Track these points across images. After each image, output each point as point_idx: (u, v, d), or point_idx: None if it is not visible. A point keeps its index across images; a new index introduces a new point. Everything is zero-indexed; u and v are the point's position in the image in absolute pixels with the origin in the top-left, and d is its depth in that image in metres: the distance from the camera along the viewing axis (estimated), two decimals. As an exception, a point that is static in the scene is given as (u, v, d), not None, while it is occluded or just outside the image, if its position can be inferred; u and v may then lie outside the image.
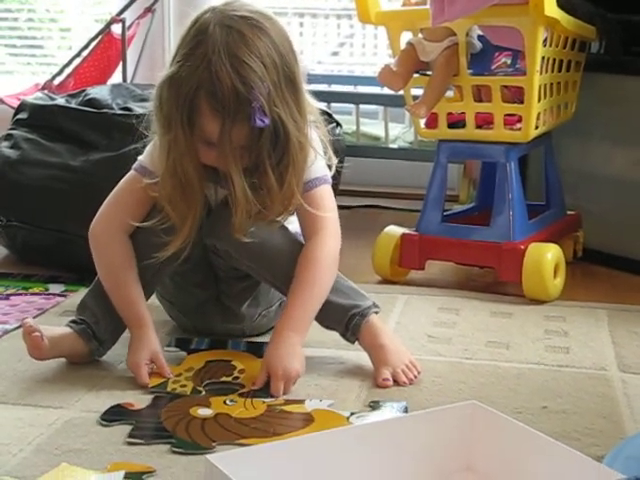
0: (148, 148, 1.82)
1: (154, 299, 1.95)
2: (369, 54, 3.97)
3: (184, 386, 1.69)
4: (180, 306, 1.97)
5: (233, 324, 1.95)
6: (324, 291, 1.78)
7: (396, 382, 1.72)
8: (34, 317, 2.02)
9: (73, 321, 1.80)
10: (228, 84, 1.60)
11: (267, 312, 1.96)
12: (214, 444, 1.45)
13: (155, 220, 1.75)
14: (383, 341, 1.78)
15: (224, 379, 1.73)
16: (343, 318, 1.80)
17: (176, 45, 1.69)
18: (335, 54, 3.98)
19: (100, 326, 1.78)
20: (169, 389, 1.67)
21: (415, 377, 1.74)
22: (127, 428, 1.51)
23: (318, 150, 1.79)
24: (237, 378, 1.73)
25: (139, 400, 1.62)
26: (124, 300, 1.78)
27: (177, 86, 1.64)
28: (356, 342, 1.82)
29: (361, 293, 1.84)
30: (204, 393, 1.66)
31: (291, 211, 1.79)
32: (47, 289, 2.29)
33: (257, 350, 1.85)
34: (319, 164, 1.81)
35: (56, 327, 1.80)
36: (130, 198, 1.81)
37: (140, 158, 1.83)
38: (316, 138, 1.80)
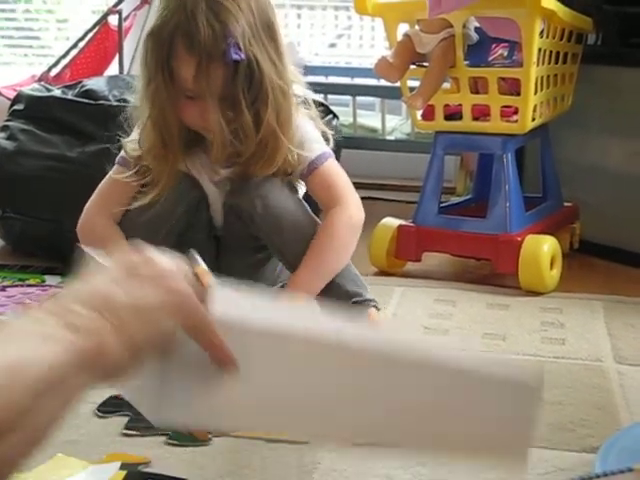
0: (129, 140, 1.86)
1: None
2: (366, 46, 3.97)
3: None
4: None
5: None
6: (337, 261, 1.80)
7: None
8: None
9: None
10: (203, 22, 1.64)
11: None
12: (210, 436, 1.45)
13: (132, 172, 1.81)
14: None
15: None
16: (346, 303, 1.80)
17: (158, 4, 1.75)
18: (332, 46, 3.98)
19: None
20: None
21: None
22: (123, 419, 1.51)
23: (311, 129, 1.82)
24: None
25: (135, 391, 1.62)
26: None
27: (157, 34, 1.70)
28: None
29: (365, 285, 1.85)
30: None
31: (278, 163, 1.79)
32: (44, 280, 2.29)
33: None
34: (316, 143, 1.83)
35: None
36: (113, 189, 1.85)
37: (122, 151, 1.86)
38: (309, 117, 1.82)
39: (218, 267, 1.90)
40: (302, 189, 1.93)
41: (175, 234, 1.83)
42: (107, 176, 1.88)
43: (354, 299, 1.81)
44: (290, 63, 1.79)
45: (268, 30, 1.72)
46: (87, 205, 1.86)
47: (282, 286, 1.95)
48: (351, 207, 1.82)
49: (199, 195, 1.85)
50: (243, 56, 1.66)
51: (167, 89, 1.71)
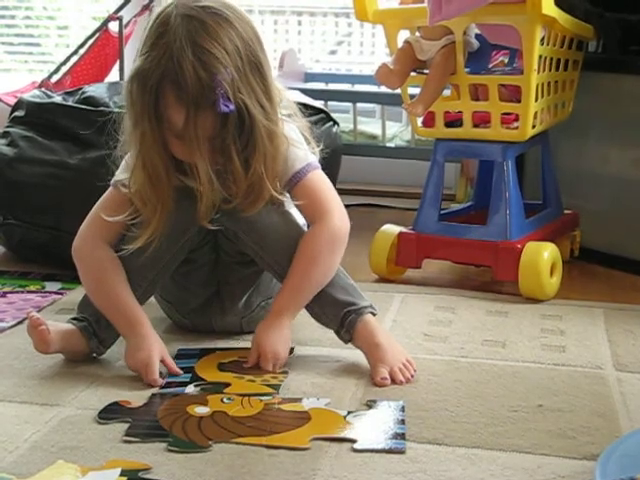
0: (122, 165, 1.83)
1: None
2: (367, 53, 3.98)
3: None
4: (180, 306, 1.97)
5: (231, 316, 1.94)
6: (322, 275, 1.80)
7: (393, 381, 1.72)
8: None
9: (75, 318, 1.80)
10: (190, 72, 1.62)
11: (266, 303, 1.95)
12: (210, 442, 1.45)
13: (126, 215, 1.77)
14: (379, 340, 1.78)
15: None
16: (339, 313, 1.80)
17: (142, 39, 1.71)
18: (333, 52, 3.99)
19: (101, 324, 1.78)
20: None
21: (412, 376, 1.74)
22: (124, 426, 1.51)
23: (297, 141, 1.81)
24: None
25: (136, 398, 1.62)
26: (115, 305, 1.77)
27: (143, 78, 1.66)
28: (349, 343, 1.82)
29: (360, 293, 1.84)
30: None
31: (267, 201, 1.77)
32: (44, 287, 2.29)
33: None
34: (300, 154, 1.82)
35: (58, 322, 1.80)
36: (105, 211, 1.81)
37: (117, 173, 1.84)
38: (294, 129, 1.82)
39: (217, 281, 1.92)
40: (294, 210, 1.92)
41: (187, 251, 1.83)
42: (105, 195, 1.84)
43: (347, 308, 1.80)
44: (276, 91, 1.76)
45: (257, 70, 1.70)
46: (83, 227, 1.83)
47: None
48: (333, 219, 1.80)
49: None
50: (232, 107, 1.64)
51: (154, 134, 1.68)
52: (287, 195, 1.84)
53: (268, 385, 1.69)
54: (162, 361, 1.73)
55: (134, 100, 1.69)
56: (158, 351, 1.73)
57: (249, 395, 1.64)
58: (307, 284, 1.80)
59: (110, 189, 1.84)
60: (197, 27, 1.65)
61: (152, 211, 1.75)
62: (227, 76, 1.64)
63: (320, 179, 1.84)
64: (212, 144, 1.69)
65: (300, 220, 1.86)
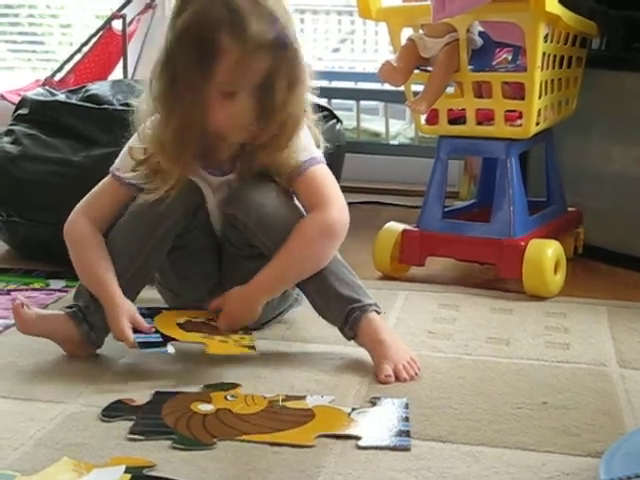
0: (121, 152, 1.86)
1: (155, 294, 1.96)
2: (370, 51, 3.97)
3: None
4: (181, 295, 1.97)
5: None
6: (312, 263, 1.80)
7: (397, 378, 1.72)
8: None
9: (67, 307, 1.82)
10: (249, 13, 1.65)
11: (270, 300, 1.95)
12: (215, 440, 1.45)
13: (140, 172, 1.80)
14: (383, 337, 1.78)
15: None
16: (343, 309, 1.79)
17: (176, 4, 1.72)
18: (336, 50, 3.98)
19: (90, 309, 1.78)
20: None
21: (416, 374, 1.74)
22: (128, 423, 1.51)
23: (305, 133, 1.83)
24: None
25: (140, 396, 1.62)
26: (94, 281, 1.79)
27: (194, 29, 1.66)
28: (352, 340, 1.82)
29: (365, 291, 1.84)
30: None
31: (284, 150, 1.80)
32: (48, 284, 2.29)
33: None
34: (307, 146, 1.83)
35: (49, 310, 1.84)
36: (101, 200, 1.86)
37: (115, 162, 1.87)
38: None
39: (220, 274, 1.92)
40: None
41: (173, 235, 1.83)
42: (102, 181, 1.87)
43: (352, 305, 1.80)
44: None
45: (292, 25, 1.75)
46: (77, 205, 1.87)
47: (284, 293, 1.95)
48: (332, 211, 1.80)
49: (198, 200, 1.85)
50: (289, 40, 1.69)
51: (199, 87, 1.69)
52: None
53: (245, 346, 1.77)
54: (132, 322, 1.75)
55: (180, 54, 1.68)
56: (126, 317, 1.74)
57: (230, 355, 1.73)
58: (295, 267, 1.80)
59: (109, 177, 1.86)
60: None
61: (174, 167, 1.76)
62: (279, 13, 1.69)
63: (324, 172, 1.85)
64: (264, 86, 1.71)
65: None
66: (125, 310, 1.75)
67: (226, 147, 1.82)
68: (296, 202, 1.87)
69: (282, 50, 1.69)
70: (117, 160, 1.87)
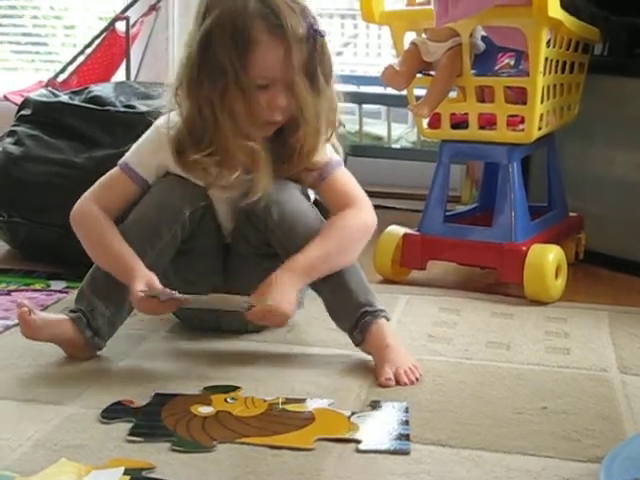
0: (134, 148, 1.85)
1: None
2: (373, 54, 3.97)
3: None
4: None
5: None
6: (346, 257, 1.80)
7: (397, 382, 1.72)
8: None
9: (70, 310, 1.80)
10: (282, 6, 1.67)
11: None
12: (214, 442, 1.45)
13: (202, 148, 1.76)
14: (388, 341, 1.78)
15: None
16: (356, 312, 1.80)
17: (203, 3, 1.72)
18: (339, 54, 3.99)
19: (95, 313, 1.78)
20: None
21: (417, 379, 1.74)
22: (127, 425, 1.50)
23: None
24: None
25: (140, 397, 1.62)
26: (112, 257, 1.77)
27: (228, 24, 1.68)
28: (359, 346, 1.82)
29: (377, 297, 1.84)
30: None
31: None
32: (48, 285, 2.29)
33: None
34: (329, 148, 1.85)
35: (52, 313, 1.82)
36: (110, 192, 1.84)
37: (126, 155, 1.85)
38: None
39: (226, 276, 1.91)
40: (312, 196, 1.93)
41: (179, 238, 1.82)
42: (111, 174, 1.86)
43: (365, 308, 1.80)
44: None
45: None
46: (85, 194, 1.85)
47: None
48: (366, 210, 1.83)
49: (205, 204, 1.84)
50: (324, 32, 1.71)
51: (242, 81, 1.69)
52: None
53: None
54: (149, 286, 1.72)
55: (213, 52, 1.69)
56: (141, 283, 1.71)
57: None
58: (333, 258, 1.78)
59: (114, 169, 1.85)
60: None
61: (233, 161, 1.75)
62: (310, 7, 1.73)
63: (349, 176, 1.88)
64: (305, 77, 1.73)
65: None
66: (140, 279, 1.72)
67: (248, 147, 1.76)
68: (311, 203, 1.88)
69: (315, 43, 1.71)
70: (130, 154, 1.86)
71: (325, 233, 1.78)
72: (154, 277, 1.74)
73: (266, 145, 1.78)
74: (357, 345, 1.81)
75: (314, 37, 1.70)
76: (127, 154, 1.86)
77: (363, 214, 1.83)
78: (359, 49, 4.00)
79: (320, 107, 1.76)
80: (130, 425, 1.50)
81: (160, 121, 1.84)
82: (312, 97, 1.74)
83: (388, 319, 1.83)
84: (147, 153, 1.85)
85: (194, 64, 1.72)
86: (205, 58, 1.70)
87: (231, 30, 1.68)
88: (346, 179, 1.86)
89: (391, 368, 1.74)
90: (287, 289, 1.72)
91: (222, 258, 1.91)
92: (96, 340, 1.79)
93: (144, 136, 1.87)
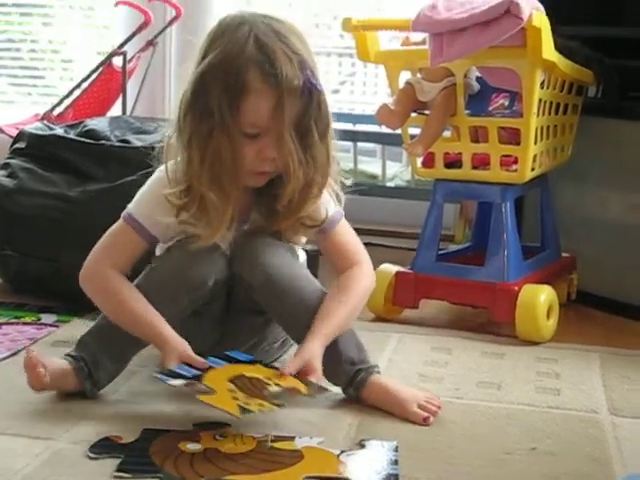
0: (137, 197, 1.80)
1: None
2: (369, 93, 3.99)
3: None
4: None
5: None
6: (353, 317, 1.81)
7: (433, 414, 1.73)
8: (25, 347, 2.02)
9: (72, 356, 1.77)
10: (281, 54, 1.63)
11: (270, 347, 1.94)
12: (202, 479, 1.44)
13: (187, 216, 1.73)
14: (395, 387, 1.78)
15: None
16: (350, 371, 1.79)
17: (204, 43, 1.70)
18: (336, 92, 4.00)
19: (98, 367, 1.76)
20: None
21: (439, 407, 1.75)
22: (115, 461, 1.50)
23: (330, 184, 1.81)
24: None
25: (128, 434, 1.61)
26: (145, 326, 1.74)
27: (223, 67, 1.64)
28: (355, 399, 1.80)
29: (366, 351, 1.83)
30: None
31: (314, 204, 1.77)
32: (39, 319, 2.29)
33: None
34: (330, 202, 1.83)
35: (55, 359, 1.77)
36: (118, 249, 1.79)
37: (129, 207, 1.80)
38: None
39: (226, 326, 1.88)
40: (302, 255, 1.92)
41: (196, 305, 1.80)
42: (111, 232, 1.80)
43: (358, 367, 1.79)
44: None
45: (317, 68, 1.72)
46: (93, 254, 1.80)
47: (282, 342, 1.95)
48: (369, 266, 1.86)
49: (228, 275, 1.81)
50: (321, 87, 1.67)
51: (229, 127, 1.65)
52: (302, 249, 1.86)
53: (276, 404, 1.64)
54: (184, 361, 1.68)
55: (206, 93, 1.65)
56: (175, 358, 1.68)
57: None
58: (349, 320, 1.80)
59: (119, 223, 1.80)
60: (272, 21, 1.68)
61: (220, 208, 1.70)
62: (309, 59, 1.67)
63: (349, 227, 1.87)
64: (295, 131, 1.68)
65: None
66: (174, 352, 1.69)
67: (294, 177, 1.72)
68: (301, 261, 1.87)
69: (311, 97, 1.66)
70: (136, 205, 1.80)
71: (342, 299, 1.79)
72: (187, 346, 1.72)
73: (251, 198, 1.77)
74: (353, 399, 1.80)
75: (310, 91, 1.66)
76: (131, 205, 1.80)
77: (367, 271, 1.85)
78: (356, 87, 4.01)
79: (310, 163, 1.71)
80: (118, 461, 1.50)
81: (161, 172, 1.79)
82: (301, 153, 1.69)
83: (379, 372, 1.82)
84: (151, 207, 1.78)
85: (186, 104, 1.69)
86: (197, 99, 1.67)
87: (225, 74, 1.64)
88: (347, 233, 1.86)
89: (414, 406, 1.73)
90: (320, 360, 1.72)
91: (224, 312, 1.88)
92: (93, 391, 1.77)
93: (147, 186, 1.82)
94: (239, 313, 1.88)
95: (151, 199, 1.79)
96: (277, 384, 1.65)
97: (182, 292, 1.77)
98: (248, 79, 1.63)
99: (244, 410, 1.57)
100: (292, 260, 1.83)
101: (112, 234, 1.81)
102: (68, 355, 1.78)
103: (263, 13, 1.70)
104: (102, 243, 1.80)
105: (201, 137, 1.67)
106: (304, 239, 1.90)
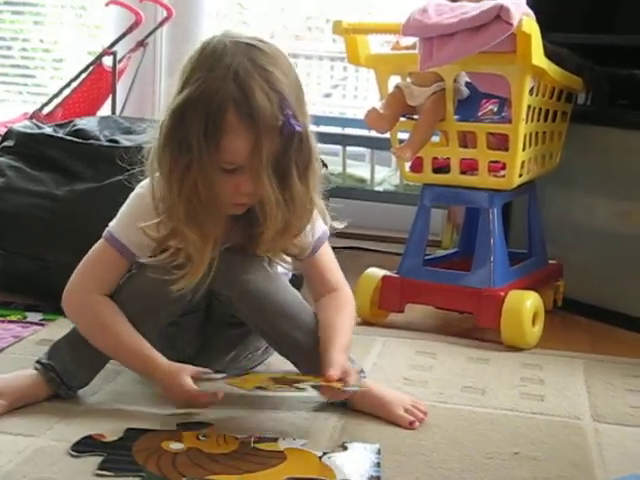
0: (119, 216, 1.77)
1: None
2: (361, 97, 4.00)
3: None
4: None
5: (217, 367, 1.84)
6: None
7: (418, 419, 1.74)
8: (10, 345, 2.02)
9: (42, 364, 1.75)
10: (260, 93, 1.58)
11: (252, 355, 1.94)
12: (184, 479, 1.44)
13: (165, 256, 1.70)
14: (380, 390, 1.79)
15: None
16: None
17: (186, 69, 1.64)
18: (327, 96, 4.01)
19: (69, 375, 1.74)
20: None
21: (425, 413, 1.76)
22: (98, 459, 1.49)
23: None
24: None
25: (111, 432, 1.61)
26: (129, 352, 1.72)
27: (202, 102, 1.59)
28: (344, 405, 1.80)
29: (351, 358, 1.81)
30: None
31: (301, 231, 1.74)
32: (25, 317, 2.28)
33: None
34: (319, 220, 1.80)
35: (21, 374, 1.75)
36: (102, 271, 1.76)
37: (111, 225, 1.76)
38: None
39: (205, 336, 1.86)
40: (287, 272, 1.89)
41: (173, 318, 1.79)
42: (93, 252, 1.76)
43: None
44: None
45: (303, 98, 1.67)
46: (71, 281, 1.76)
47: (266, 349, 1.95)
48: (350, 293, 1.87)
49: (207, 288, 1.76)
50: (300, 128, 1.61)
51: (206, 163, 1.61)
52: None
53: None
54: (193, 377, 1.69)
55: (184, 127, 1.61)
56: (187, 377, 1.68)
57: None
58: (348, 346, 1.78)
59: (102, 243, 1.76)
60: (256, 52, 1.61)
61: (199, 246, 1.66)
62: (292, 97, 1.61)
63: (330, 250, 1.87)
64: (274, 170, 1.64)
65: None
66: (182, 373, 1.68)
67: (272, 217, 1.68)
68: (280, 275, 1.83)
69: (291, 136, 1.61)
70: (117, 224, 1.76)
71: (341, 318, 1.79)
72: (187, 367, 1.71)
73: (233, 221, 1.74)
74: (338, 402, 1.79)
75: (290, 131, 1.60)
76: (113, 223, 1.76)
77: (350, 296, 1.87)
78: (348, 91, 4.02)
79: (289, 204, 1.67)
80: (100, 459, 1.49)
81: (142, 189, 1.76)
82: (278, 193, 1.64)
83: (365, 377, 1.82)
84: (132, 227, 1.73)
85: (166, 135, 1.64)
86: (176, 131, 1.62)
87: (204, 110, 1.59)
88: (328, 256, 1.85)
89: (403, 412, 1.74)
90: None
91: (204, 323, 1.86)
92: (69, 392, 1.75)
93: (128, 205, 1.78)
94: (219, 325, 1.86)
95: (132, 219, 1.74)
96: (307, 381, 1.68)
97: (160, 307, 1.75)
98: (226, 118, 1.58)
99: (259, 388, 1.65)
100: (270, 274, 1.79)
101: (95, 254, 1.77)
102: (39, 362, 1.75)
103: (248, 39, 1.64)
104: (85, 264, 1.77)
105: (179, 170, 1.63)
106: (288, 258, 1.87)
